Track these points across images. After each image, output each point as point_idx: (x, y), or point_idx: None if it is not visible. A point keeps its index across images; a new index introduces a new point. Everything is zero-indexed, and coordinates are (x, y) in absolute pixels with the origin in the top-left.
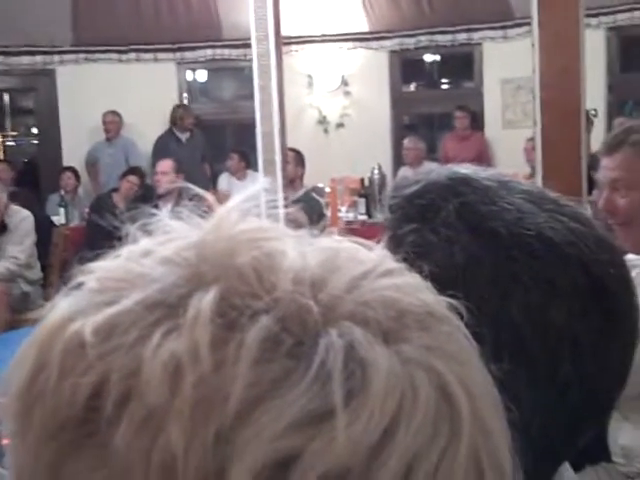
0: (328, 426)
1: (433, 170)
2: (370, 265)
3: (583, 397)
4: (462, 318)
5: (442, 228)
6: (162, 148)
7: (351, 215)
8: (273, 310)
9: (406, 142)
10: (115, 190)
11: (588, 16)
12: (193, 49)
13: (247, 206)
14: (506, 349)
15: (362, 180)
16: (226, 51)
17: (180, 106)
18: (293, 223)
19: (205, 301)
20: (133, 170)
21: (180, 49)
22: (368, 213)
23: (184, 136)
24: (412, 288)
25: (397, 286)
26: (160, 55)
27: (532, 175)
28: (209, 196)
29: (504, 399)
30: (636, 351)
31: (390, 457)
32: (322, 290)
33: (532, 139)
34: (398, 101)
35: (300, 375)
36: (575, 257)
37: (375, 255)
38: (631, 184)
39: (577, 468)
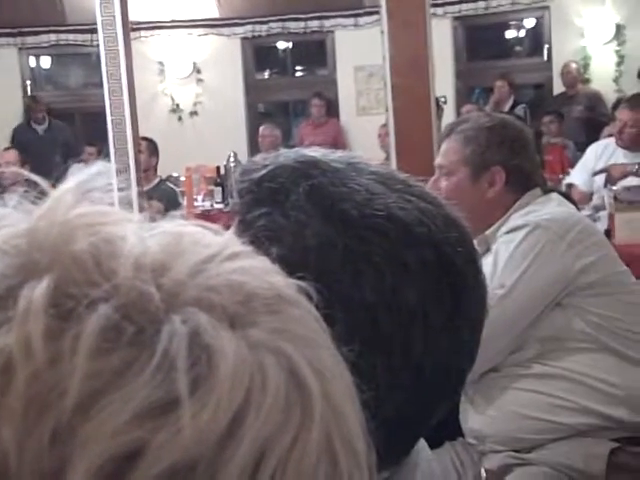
0: (173, 417)
1: (281, 154)
2: (215, 249)
3: (436, 375)
4: (312, 300)
5: (293, 211)
6: (20, 140)
7: (207, 204)
8: (113, 298)
9: (262, 129)
10: None
11: (434, 5)
12: (35, 34)
13: (83, 190)
14: (360, 330)
15: (218, 168)
16: (71, 36)
17: (29, 96)
18: (148, 213)
19: (37, 291)
20: None
21: (21, 34)
22: (225, 201)
23: (41, 128)
24: (260, 271)
25: (244, 269)
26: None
27: (387, 160)
28: (44, 183)
29: (357, 381)
30: (482, 329)
31: (240, 445)
32: (164, 275)
33: (385, 125)
34: (252, 88)
35: (142, 365)
36: (425, 236)
37: (221, 239)
38: (450, 170)
39: (436, 445)
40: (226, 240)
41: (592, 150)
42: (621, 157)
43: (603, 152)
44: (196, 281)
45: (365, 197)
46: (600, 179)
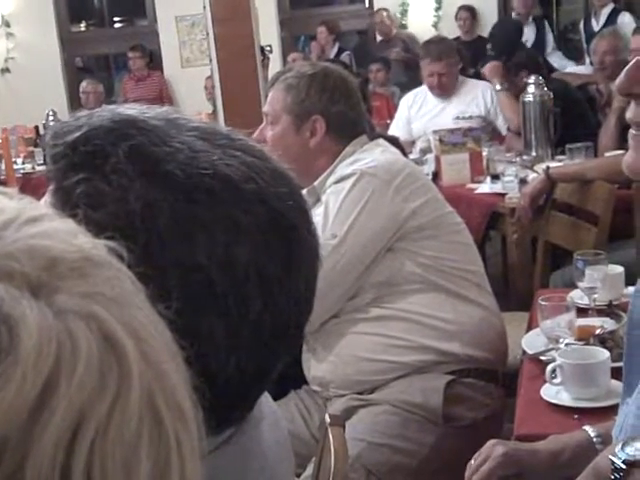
0: None
1: (95, 113)
2: (11, 214)
3: (275, 330)
4: (123, 260)
5: (113, 175)
6: None
7: (29, 166)
8: None
9: (83, 85)
10: None
11: None
12: None
13: None
14: (195, 291)
15: (37, 128)
16: None
17: None
18: None
19: None
20: None
21: None
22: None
23: None
24: (64, 234)
25: (46, 233)
26: None
27: (214, 112)
28: None
29: (181, 339)
30: (317, 280)
31: (53, 416)
32: None
33: (211, 77)
34: (68, 42)
35: None
36: (254, 192)
37: (17, 203)
38: (274, 119)
39: (282, 395)
40: (24, 204)
41: (404, 101)
42: (429, 100)
43: (414, 101)
44: None
45: (188, 155)
46: (420, 125)
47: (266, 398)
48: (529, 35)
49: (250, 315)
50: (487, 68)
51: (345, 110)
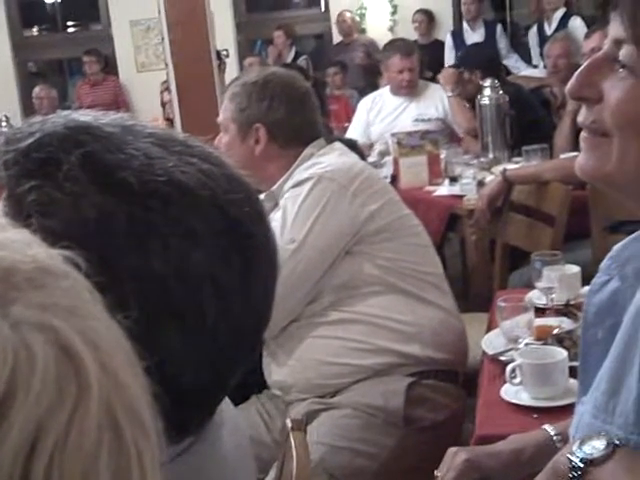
0: None
1: (48, 119)
2: None
3: (232, 337)
4: (81, 270)
5: (66, 183)
6: None
7: None
8: None
9: (36, 90)
10: None
11: None
12: None
13: None
14: (151, 299)
15: None
16: None
17: None
18: None
19: None
20: None
21: None
22: None
23: None
24: (18, 244)
25: (0, 244)
26: None
27: (171, 118)
28: None
29: (140, 348)
30: (276, 286)
31: (11, 429)
32: None
33: (166, 81)
34: (20, 47)
35: None
36: (210, 199)
37: None
38: (225, 127)
39: (244, 399)
40: None
41: (362, 105)
42: (389, 103)
43: (373, 104)
44: None
45: (144, 162)
46: (379, 128)
47: (226, 404)
48: (479, 38)
49: (207, 323)
50: (442, 75)
51: (287, 117)
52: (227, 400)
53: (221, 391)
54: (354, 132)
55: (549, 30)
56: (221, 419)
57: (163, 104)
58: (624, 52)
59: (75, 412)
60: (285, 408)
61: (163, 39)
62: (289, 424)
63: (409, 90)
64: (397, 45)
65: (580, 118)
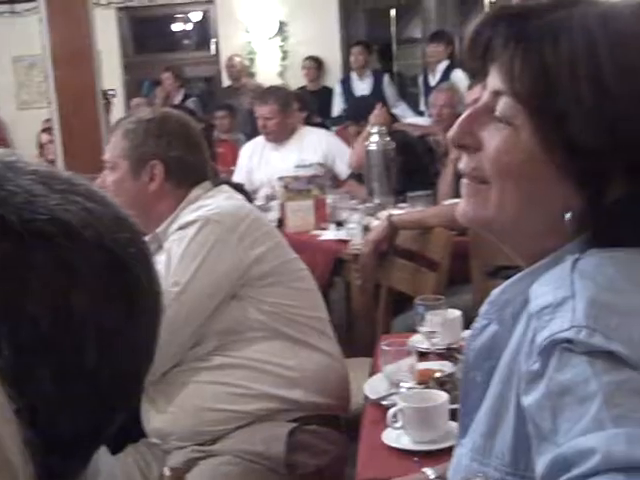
0: None
1: None
2: None
3: (113, 381)
4: None
5: None
6: None
7: None
8: None
9: None
10: None
11: None
12: None
13: None
14: (26, 341)
15: None
16: None
17: None
18: None
19: None
20: None
21: None
22: None
23: None
24: None
25: None
26: None
27: (50, 160)
28: None
29: (12, 391)
30: (159, 329)
31: None
32: None
33: (49, 120)
34: None
35: None
36: (93, 239)
37: None
38: (114, 165)
39: (119, 449)
40: None
41: (244, 152)
42: (268, 150)
43: (253, 151)
44: None
45: (25, 200)
46: (261, 174)
47: (103, 452)
48: (367, 87)
49: (86, 367)
50: (373, 114)
51: (184, 155)
52: (104, 449)
53: (98, 439)
54: (238, 177)
55: (433, 81)
56: (97, 468)
57: (41, 145)
58: (502, 103)
59: None
60: (163, 456)
61: (47, 77)
62: (167, 472)
63: (273, 137)
64: (259, 93)
65: (461, 165)
